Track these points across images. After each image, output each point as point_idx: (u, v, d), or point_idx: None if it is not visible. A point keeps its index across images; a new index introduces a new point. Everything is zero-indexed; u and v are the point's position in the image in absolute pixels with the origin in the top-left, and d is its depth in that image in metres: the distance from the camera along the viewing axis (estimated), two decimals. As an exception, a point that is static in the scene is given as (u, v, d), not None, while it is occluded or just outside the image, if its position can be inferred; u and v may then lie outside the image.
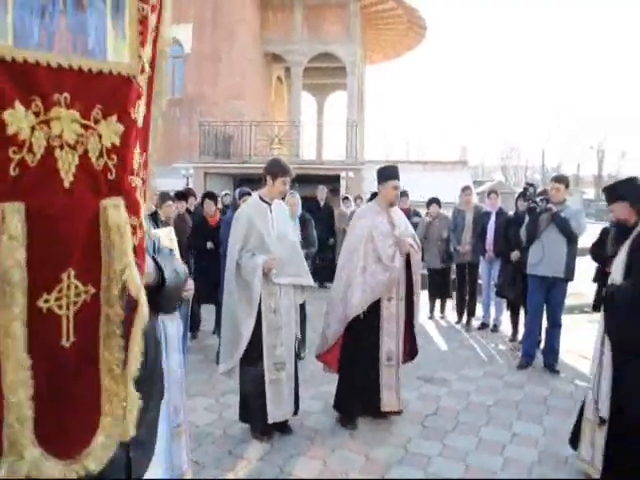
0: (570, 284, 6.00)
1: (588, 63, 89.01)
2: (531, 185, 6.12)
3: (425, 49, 52.16)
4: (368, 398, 4.21)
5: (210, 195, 7.10)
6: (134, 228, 1.04)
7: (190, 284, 3.00)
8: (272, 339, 3.87)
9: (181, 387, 2.91)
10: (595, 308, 6.22)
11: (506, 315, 7.28)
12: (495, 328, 7.34)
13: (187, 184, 14.12)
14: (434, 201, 8.14)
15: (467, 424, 4.23)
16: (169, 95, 17.14)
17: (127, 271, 1.00)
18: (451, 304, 8.09)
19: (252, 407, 3.96)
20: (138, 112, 1.04)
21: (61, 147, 0.90)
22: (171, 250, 1.89)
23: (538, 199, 5.72)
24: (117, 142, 0.98)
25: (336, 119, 21.08)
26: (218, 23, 16.56)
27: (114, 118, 0.97)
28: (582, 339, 6.90)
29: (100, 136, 0.95)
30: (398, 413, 4.32)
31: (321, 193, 10.57)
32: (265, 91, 19.25)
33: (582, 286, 7.29)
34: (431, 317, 8.05)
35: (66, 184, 0.91)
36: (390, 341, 4.21)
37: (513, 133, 79.11)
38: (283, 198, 4.26)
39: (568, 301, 7.14)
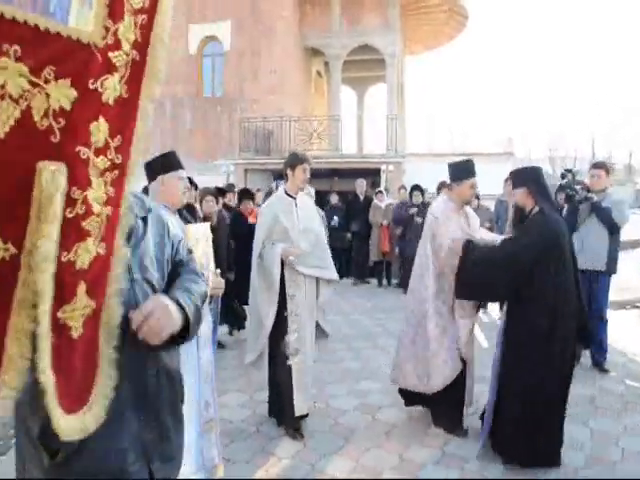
0: (619, 278, 5.69)
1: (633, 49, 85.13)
2: (569, 171, 5.76)
3: (467, 38, 50.96)
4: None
5: (246, 192, 7.09)
6: (73, 201, 0.99)
7: (220, 282, 2.99)
8: (290, 325, 3.90)
9: (212, 382, 2.91)
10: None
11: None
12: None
13: (228, 180, 14.23)
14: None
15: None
16: (209, 93, 17.36)
17: (40, 243, 0.95)
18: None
19: (281, 400, 3.96)
20: (104, 86, 1.01)
21: (2, 97, 0.88)
22: (190, 251, 1.83)
23: (578, 187, 5.43)
24: (67, 106, 0.95)
25: (376, 112, 20.85)
26: (257, 19, 16.59)
27: (67, 82, 0.94)
28: (632, 336, 6.58)
29: (48, 96, 0.92)
30: None
31: (360, 186, 10.45)
32: (305, 86, 19.20)
33: (632, 280, 6.94)
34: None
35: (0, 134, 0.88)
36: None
37: (560, 123, 76.55)
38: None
39: (617, 296, 6.82)
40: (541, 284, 3.30)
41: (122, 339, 1.33)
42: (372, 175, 14.27)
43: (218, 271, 2.97)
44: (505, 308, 3.61)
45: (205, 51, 17.40)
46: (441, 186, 8.39)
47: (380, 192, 10.47)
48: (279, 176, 13.99)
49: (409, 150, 20.98)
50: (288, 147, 15.52)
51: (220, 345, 5.91)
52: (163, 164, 2.80)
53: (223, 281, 3.00)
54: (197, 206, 5.50)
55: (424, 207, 8.73)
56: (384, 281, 10.24)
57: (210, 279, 2.81)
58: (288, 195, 4.00)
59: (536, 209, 3.47)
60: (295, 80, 17.76)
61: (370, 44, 17.37)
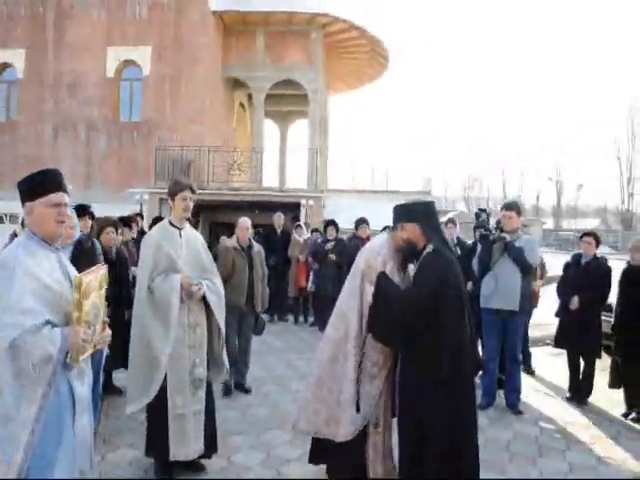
0: (533, 315, 5.66)
1: (553, 90, 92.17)
2: (483, 211, 5.76)
3: (389, 79, 52.98)
4: None
5: (160, 220, 6.63)
6: None
7: (105, 336, 2.44)
8: (193, 355, 3.69)
9: (90, 449, 2.46)
10: (557, 344, 5.93)
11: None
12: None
13: (141, 210, 13.54)
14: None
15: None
16: (126, 118, 16.68)
17: None
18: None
19: (156, 442, 3.67)
20: None
21: None
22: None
23: (491, 227, 5.46)
24: None
25: (299, 147, 20.91)
26: (179, 46, 16.22)
27: None
28: (545, 374, 6.62)
29: None
30: None
31: (278, 220, 10.19)
32: (227, 117, 18.91)
33: (545, 317, 7.03)
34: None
35: None
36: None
37: (475, 165, 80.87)
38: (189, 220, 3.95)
39: (531, 333, 6.88)
40: (438, 327, 3.02)
41: None
42: (293, 209, 14.10)
43: (107, 320, 2.46)
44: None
45: (123, 75, 16.76)
46: (359, 222, 8.33)
47: (299, 226, 10.24)
48: (198, 208, 13.51)
49: (331, 186, 21.12)
50: (207, 177, 15.09)
51: (116, 391, 5.34)
52: (32, 187, 2.29)
53: (109, 333, 2.48)
54: (94, 239, 4.97)
55: (338, 243, 8.65)
56: (301, 318, 9.93)
57: (96, 333, 2.34)
58: (172, 225, 3.78)
59: (429, 247, 3.18)
60: (217, 110, 17.44)
61: (293, 79, 17.43)
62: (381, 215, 14.27)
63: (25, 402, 2.07)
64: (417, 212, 3.31)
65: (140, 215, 8.52)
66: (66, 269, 2.36)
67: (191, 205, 3.75)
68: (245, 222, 5.85)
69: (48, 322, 2.15)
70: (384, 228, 7.68)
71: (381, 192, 23.20)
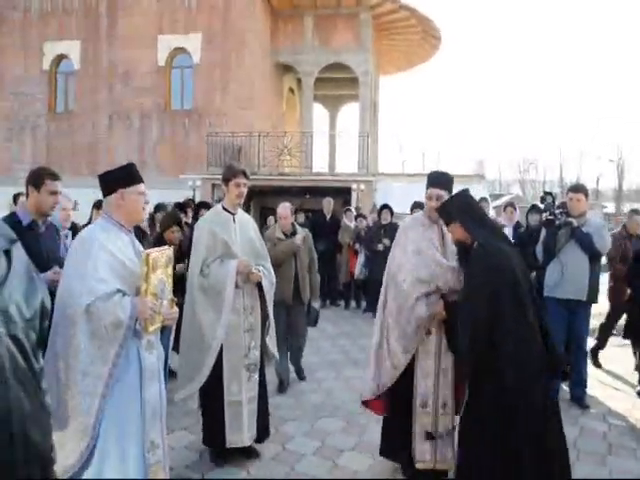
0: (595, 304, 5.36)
1: (609, 72, 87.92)
2: (549, 194, 5.40)
3: (440, 60, 51.65)
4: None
5: (204, 205, 6.64)
6: None
7: (173, 312, 2.65)
8: (248, 339, 3.69)
9: (161, 421, 2.57)
10: (626, 335, 5.59)
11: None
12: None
13: (194, 196, 13.71)
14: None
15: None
16: (178, 106, 16.89)
17: None
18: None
19: (212, 431, 3.69)
20: None
21: None
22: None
23: (557, 211, 5.11)
24: None
25: (349, 131, 20.58)
26: (228, 33, 16.25)
27: None
28: (611, 367, 6.28)
29: None
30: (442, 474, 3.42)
31: (327, 205, 10.07)
32: (276, 102, 18.89)
33: (606, 306, 6.65)
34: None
35: None
36: (426, 383, 3.36)
37: (531, 146, 78.02)
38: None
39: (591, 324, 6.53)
40: (499, 331, 2.73)
41: None
42: (343, 194, 13.96)
43: (175, 299, 2.68)
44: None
45: (174, 63, 16.95)
46: (414, 206, 8.06)
47: (349, 210, 10.09)
48: (249, 193, 13.50)
49: (381, 170, 20.78)
50: (257, 163, 15.13)
51: (171, 374, 5.38)
52: (123, 177, 2.62)
53: (177, 310, 2.69)
54: (144, 225, 4.99)
55: (391, 228, 8.40)
56: (353, 304, 9.83)
57: (164, 306, 2.55)
58: (226, 210, 3.76)
59: (476, 243, 2.98)
60: (266, 95, 17.43)
61: (342, 62, 17.19)
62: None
63: (100, 361, 2.31)
64: (453, 210, 3.07)
65: (192, 201, 8.57)
66: (138, 249, 2.59)
67: (245, 191, 3.73)
68: (285, 209, 5.28)
69: (119, 291, 2.38)
70: (412, 209, 7.41)
71: (432, 176, 22.60)
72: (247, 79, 16.26)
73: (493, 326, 2.74)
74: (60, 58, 17.60)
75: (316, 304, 5.71)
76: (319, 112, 23.28)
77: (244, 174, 3.69)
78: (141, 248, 2.64)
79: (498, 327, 2.74)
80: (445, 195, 3.34)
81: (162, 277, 2.53)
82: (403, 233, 3.53)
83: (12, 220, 3.09)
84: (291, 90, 20.78)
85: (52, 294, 2.83)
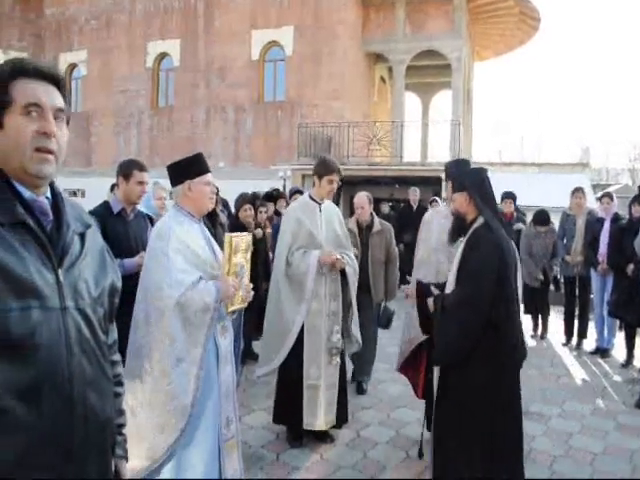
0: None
1: None
2: None
3: (539, 42, 48.72)
4: None
5: (300, 192, 6.77)
6: None
7: (250, 295, 2.78)
8: (330, 323, 3.78)
9: (233, 398, 2.74)
10: None
11: (620, 337, 6.25)
12: (605, 353, 6.30)
13: (284, 186, 14.03)
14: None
15: (564, 475, 3.47)
16: (270, 98, 17.31)
17: None
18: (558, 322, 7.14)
19: (284, 411, 3.83)
20: None
21: None
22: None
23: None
24: None
25: (441, 119, 20.03)
26: (319, 24, 16.39)
27: None
28: None
29: None
30: None
31: (413, 195, 9.94)
32: (367, 92, 18.82)
33: None
34: (533, 336, 7.16)
35: None
36: None
37: (643, 132, 71.92)
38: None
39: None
40: (499, 311, 2.69)
41: (44, 388, 1.16)
42: (434, 184, 13.68)
43: (251, 285, 2.79)
44: None
45: (267, 57, 17.38)
46: (505, 197, 7.76)
47: (435, 201, 9.88)
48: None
49: (476, 159, 20.14)
50: (347, 153, 15.19)
51: (255, 357, 5.58)
52: (190, 168, 2.68)
53: (252, 294, 2.81)
54: (219, 211, 5.20)
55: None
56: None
57: (243, 286, 2.70)
58: (313, 200, 3.85)
59: (480, 220, 2.81)
60: (357, 85, 17.42)
61: (435, 49, 16.79)
62: (531, 189, 13.35)
63: (192, 345, 2.47)
64: (466, 180, 2.91)
65: (278, 191, 8.78)
66: (207, 237, 2.72)
67: (335, 187, 3.79)
68: (361, 199, 4.95)
69: (201, 278, 2.52)
70: (502, 200, 7.13)
71: (531, 164, 21.57)
72: (338, 70, 16.33)
73: (498, 306, 2.66)
74: (162, 56, 18.62)
75: (390, 304, 5.14)
76: (412, 101, 22.93)
77: (338, 172, 3.75)
78: (209, 236, 2.76)
79: (504, 308, 2.69)
80: None
81: (242, 261, 2.66)
82: (426, 226, 3.79)
83: (104, 208, 3.35)
84: (382, 79, 20.60)
85: (136, 276, 3.08)
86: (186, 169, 2.68)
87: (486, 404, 2.73)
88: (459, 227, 2.93)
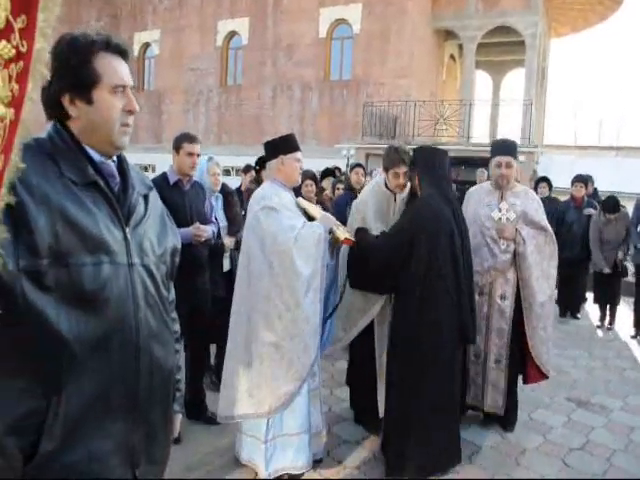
0: None
1: None
2: None
3: (621, 18, 45.61)
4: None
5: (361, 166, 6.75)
6: None
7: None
8: None
9: (318, 355, 2.93)
10: None
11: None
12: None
13: (347, 165, 14.00)
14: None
15: (622, 470, 3.36)
16: (337, 77, 17.22)
17: None
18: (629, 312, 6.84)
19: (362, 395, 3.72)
20: None
21: None
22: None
23: None
24: None
25: (513, 99, 19.23)
26: (388, 2, 16.07)
27: None
28: None
29: None
30: None
31: (481, 176, 9.66)
32: (435, 70, 18.36)
33: None
34: (600, 326, 6.90)
35: None
36: (479, 339, 3.58)
37: None
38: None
39: None
40: (411, 277, 3.05)
41: (113, 338, 1.25)
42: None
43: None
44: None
45: (334, 34, 17.25)
46: (575, 180, 7.44)
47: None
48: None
49: (550, 141, 19.34)
50: (413, 132, 14.95)
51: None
52: (284, 145, 3.03)
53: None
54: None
55: (549, 202, 7.82)
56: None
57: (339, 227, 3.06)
58: (388, 189, 3.51)
59: (423, 196, 3.19)
60: (425, 63, 17.03)
61: (509, 25, 16.11)
62: (606, 173, 12.70)
63: (313, 276, 2.81)
64: (419, 160, 3.26)
65: (338, 169, 8.78)
66: (297, 204, 3.07)
67: (404, 181, 3.39)
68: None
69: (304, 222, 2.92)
70: (572, 183, 6.79)
71: (609, 148, 20.47)
72: (406, 48, 16.01)
73: (412, 268, 3.03)
74: (231, 35, 18.87)
75: None
76: (482, 79, 22.19)
77: (403, 162, 3.33)
78: (297, 200, 3.13)
79: (412, 271, 3.03)
80: (513, 161, 3.63)
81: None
82: (466, 200, 3.86)
83: (162, 179, 3.48)
84: (452, 57, 20.02)
85: (190, 246, 3.21)
86: (280, 145, 3.03)
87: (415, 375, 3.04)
88: (412, 199, 3.34)
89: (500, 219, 3.64)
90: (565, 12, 18.80)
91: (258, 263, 2.85)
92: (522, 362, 3.72)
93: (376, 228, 3.36)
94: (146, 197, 1.44)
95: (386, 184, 3.51)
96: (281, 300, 2.79)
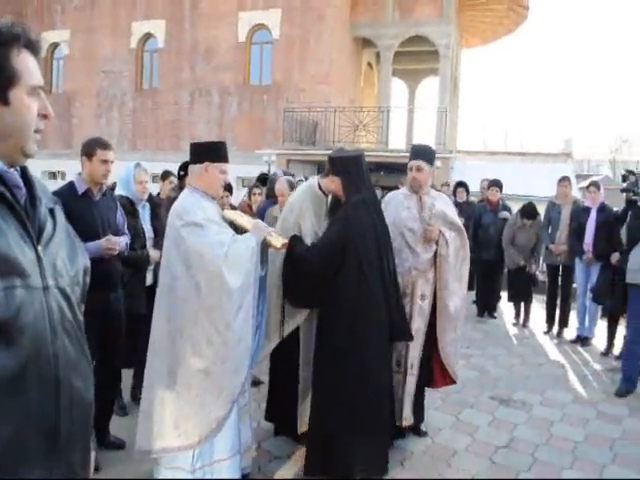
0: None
1: None
2: (631, 173, 5.01)
3: (527, 31, 48.73)
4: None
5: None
6: None
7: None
8: None
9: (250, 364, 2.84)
10: None
11: (601, 326, 6.31)
12: (586, 341, 6.37)
13: (268, 171, 13.90)
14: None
15: (546, 464, 3.49)
16: (257, 81, 17.09)
17: None
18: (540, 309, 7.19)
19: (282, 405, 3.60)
20: None
21: None
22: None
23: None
24: None
25: (428, 106, 19.92)
26: (307, 8, 16.16)
27: None
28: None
29: None
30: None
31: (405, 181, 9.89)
32: (354, 77, 18.66)
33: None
34: (516, 324, 7.22)
35: None
36: (401, 345, 3.57)
37: (625, 124, 72.64)
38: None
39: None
40: (342, 287, 3.03)
41: (29, 371, 1.08)
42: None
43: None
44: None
45: (254, 39, 17.12)
46: (490, 185, 7.76)
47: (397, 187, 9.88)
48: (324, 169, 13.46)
49: (462, 147, 20.14)
50: (333, 138, 15.08)
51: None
52: (213, 152, 2.83)
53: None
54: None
55: (467, 206, 8.13)
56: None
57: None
58: (321, 191, 3.41)
59: (348, 202, 3.16)
60: (344, 70, 17.26)
61: (423, 35, 16.67)
62: (514, 178, 13.39)
63: (245, 292, 2.67)
64: (341, 166, 3.21)
65: (265, 175, 8.67)
66: (222, 215, 2.91)
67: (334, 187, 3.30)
68: (282, 185, 4.44)
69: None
70: (484, 188, 7.10)
71: (515, 154, 21.68)
72: (325, 54, 16.16)
73: (339, 279, 3.02)
74: (147, 37, 18.25)
75: None
76: (398, 87, 22.82)
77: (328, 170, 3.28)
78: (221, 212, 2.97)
79: (343, 281, 3.01)
80: (425, 166, 3.63)
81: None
82: (385, 206, 3.73)
83: (69, 188, 3.19)
84: (369, 65, 20.45)
85: (101, 261, 2.99)
86: (209, 151, 2.83)
87: (343, 373, 3.01)
88: (335, 205, 3.29)
89: (424, 218, 3.63)
90: (475, 24, 19.73)
91: (183, 283, 2.65)
92: (428, 367, 3.71)
93: (312, 230, 3.30)
94: (52, 211, 1.27)
95: (319, 186, 3.44)
96: (210, 323, 2.62)
